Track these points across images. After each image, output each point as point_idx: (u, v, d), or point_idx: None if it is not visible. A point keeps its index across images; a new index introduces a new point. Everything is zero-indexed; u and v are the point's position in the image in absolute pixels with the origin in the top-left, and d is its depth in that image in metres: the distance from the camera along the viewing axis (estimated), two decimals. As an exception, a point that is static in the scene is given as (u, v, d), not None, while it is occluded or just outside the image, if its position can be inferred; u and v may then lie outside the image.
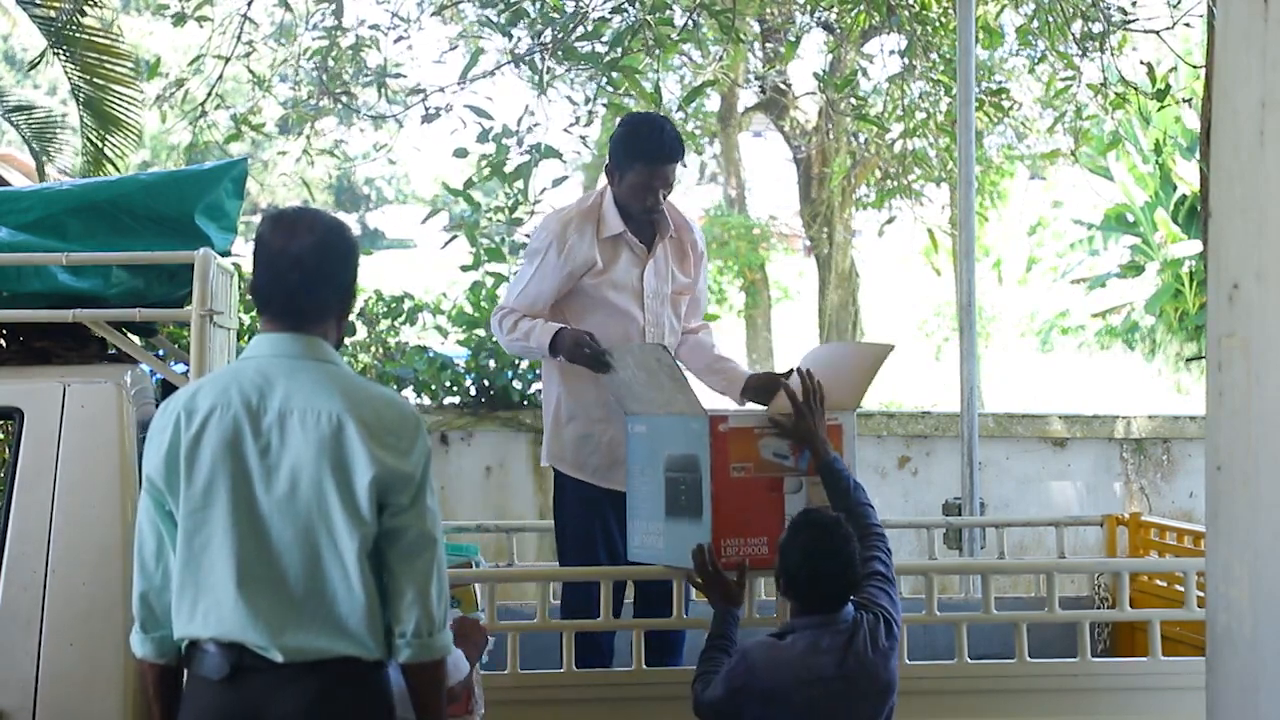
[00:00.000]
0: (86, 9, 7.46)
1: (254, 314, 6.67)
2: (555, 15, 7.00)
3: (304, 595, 2.42)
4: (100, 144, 7.82)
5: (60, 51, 7.70)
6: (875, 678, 3.12)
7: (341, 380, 2.50)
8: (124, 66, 7.86)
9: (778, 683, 3.04)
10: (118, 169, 7.88)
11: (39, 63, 7.91)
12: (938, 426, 6.94)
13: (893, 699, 3.19)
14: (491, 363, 6.72)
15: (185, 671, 2.53)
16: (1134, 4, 8.01)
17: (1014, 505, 6.76)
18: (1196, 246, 16.24)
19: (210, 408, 2.46)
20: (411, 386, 6.72)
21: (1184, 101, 9.53)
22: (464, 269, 7.00)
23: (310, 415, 2.43)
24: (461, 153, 7.10)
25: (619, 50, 6.83)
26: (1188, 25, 7.65)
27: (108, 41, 7.81)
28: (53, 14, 7.59)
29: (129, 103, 7.87)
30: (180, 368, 3.81)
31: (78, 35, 7.58)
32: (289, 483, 2.43)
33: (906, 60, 8.57)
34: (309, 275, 2.51)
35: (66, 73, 7.82)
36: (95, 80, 7.75)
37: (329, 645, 2.41)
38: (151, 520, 2.52)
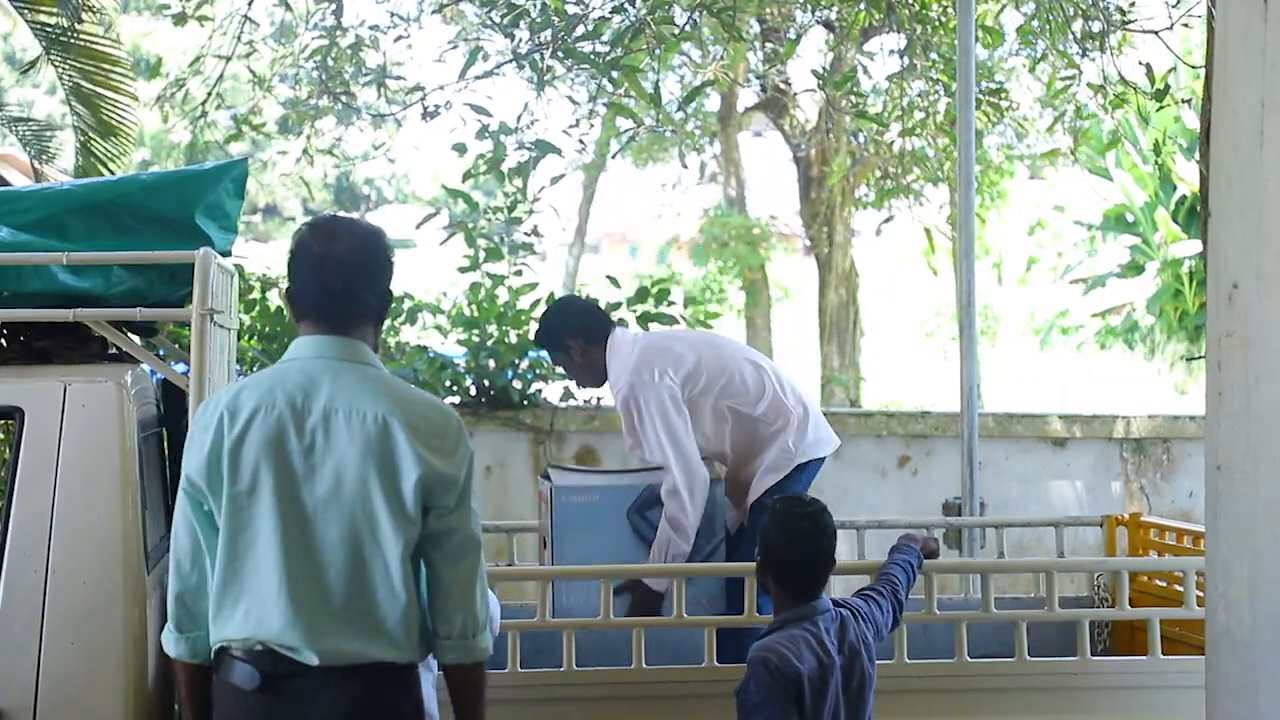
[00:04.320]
0: (83, 15, 7.43)
1: (254, 314, 6.68)
2: (556, 16, 7.00)
3: (346, 596, 2.42)
4: (96, 151, 7.79)
5: (56, 57, 7.68)
6: (865, 669, 3.14)
7: (385, 383, 2.53)
8: (120, 72, 7.83)
9: (806, 669, 3.02)
10: (113, 174, 7.87)
11: (31, 68, 7.89)
12: (938, 426, 6.94)
13: (872, 692, 3.21)
14: (491, 363, 6.73)
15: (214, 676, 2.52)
16: (1133, 4, 8.01)
17: (1014, 505, 6.77)
18: (1196, 246, 16.24)
19: (254, 408, 2.46)
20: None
21: (1184, 101, 9.52)
22: (462, 270, 6.99)
23: (355, 416, 2.45)
24: (460, 148, 7.09)
25: (619, 50, 6.83)
26: (1187, 25, 7.65)
27: (104, 48, 7.77)
28: (49, 19, 7.56)
29: (125, 109, 7.84)
30: (181, 367, 3.81)
31: (73, 41, 7.55)
32: (334, 482, 2.43)
33: (906, 59, 8.57)
34: (351, 280, 2.54)
35: (61, 79, 7.79)
36: (91, 86, 7.72)
37: (365, 650, 2.41)
38: (189, 521, 2.51)
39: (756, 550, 3.25)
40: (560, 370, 4.70)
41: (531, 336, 6.80)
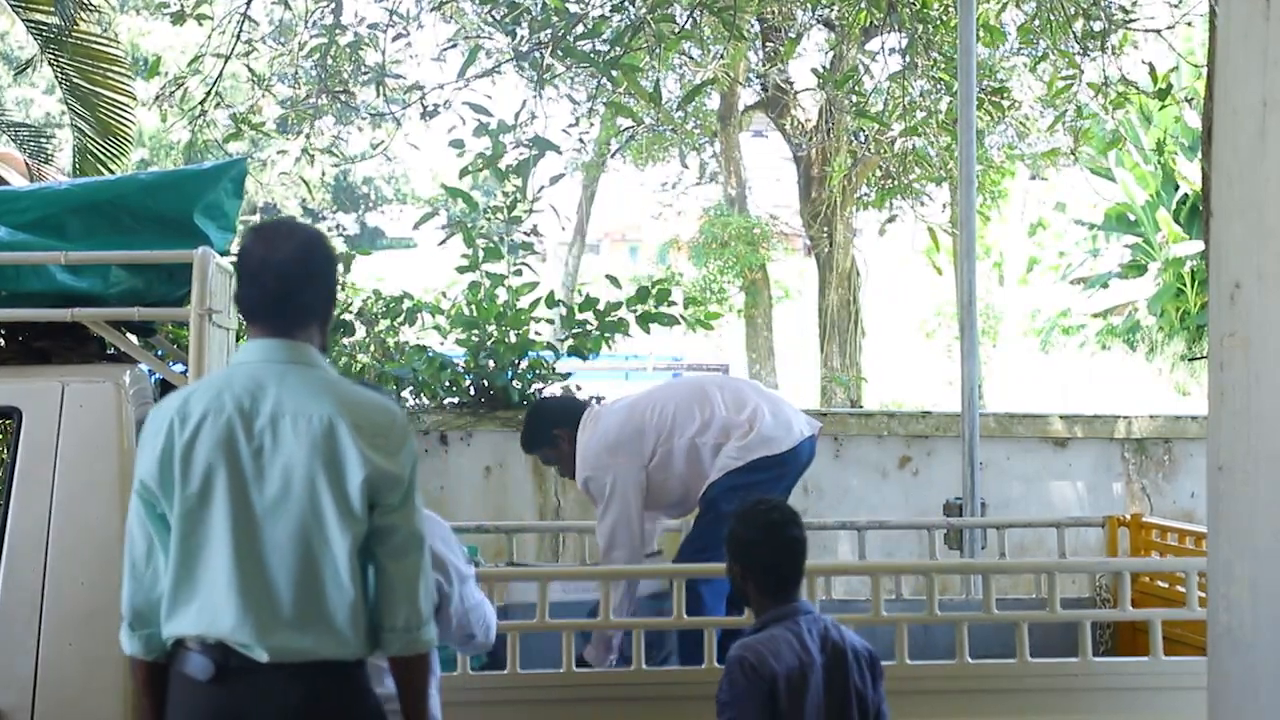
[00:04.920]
0: (81, 15, 7.41)
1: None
2: (555, 15, 6.99)
3: (296, 594, 2.48)
4: (94, 150, 7.77)
5: (53, 57, 7.66)
6: (853, 679, 3.12)
7: (330, 384, 2.59)
8: (118, 71, 7.81)
9: (782, 669, 3.01)
10: (112, 174, 7.85)
11: (27, 68, 7.87)
12: (939, 426, 6.93)
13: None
14: (491, 363, 6.71)
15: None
16: (1135, 3, 8.00)
17: (1015, 505, 6.75)
18: (1198, 246, 16.24)
19: (204, 412, 2.52)
20: (411, 387, 6.70)
21: (1185, 101, 9.52)
22: (461, 270, 6.97)
23: (302, 418, 2.51)
24: (459, 144, 7.07)
25: (619, 49, 6.81)
26: (1189, 24, 7.65)
27: (101, 47, 7.75)
28: (46, 19, 7.54)
29: (122, 109, 7.82)
30: (179, 367, 3.80)
31: (70, 40, 7.53)
32: (282, 483, 2.49)
33: (907, 58, 8.56)
34: (293, 283, 2.60)
35: (59, 78, 7.77)
36: (88, 86, 7.70)
37: (314, 647, 2.47)
38: (142, 522, 2.57)
39: (729, 559, 3.19)
40: (555, 469, 4.90)
41: (531, 336, 6.82)
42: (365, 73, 7.88)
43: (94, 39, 7.74)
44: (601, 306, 6.76)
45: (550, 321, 7.12)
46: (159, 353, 4.07)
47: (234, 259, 2.71)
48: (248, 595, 2.45)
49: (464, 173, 7.10)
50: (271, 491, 2.49)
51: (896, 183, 11.44)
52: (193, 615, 2.48)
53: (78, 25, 7.46)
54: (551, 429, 4.66)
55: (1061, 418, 7.09)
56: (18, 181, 8.38)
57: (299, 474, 2.49)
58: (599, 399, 5.83)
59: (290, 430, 2.50)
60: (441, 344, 7.10)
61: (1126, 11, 7.93)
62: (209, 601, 2.47)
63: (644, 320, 6.73)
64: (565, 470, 4.73)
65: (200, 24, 7.66)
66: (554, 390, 6.77)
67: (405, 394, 6.69)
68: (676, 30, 7.19)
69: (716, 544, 4.16)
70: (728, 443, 4.44)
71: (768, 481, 4.39)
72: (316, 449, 2.49)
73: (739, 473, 4.39)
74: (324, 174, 10.68)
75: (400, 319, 7.15)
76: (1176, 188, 18.60)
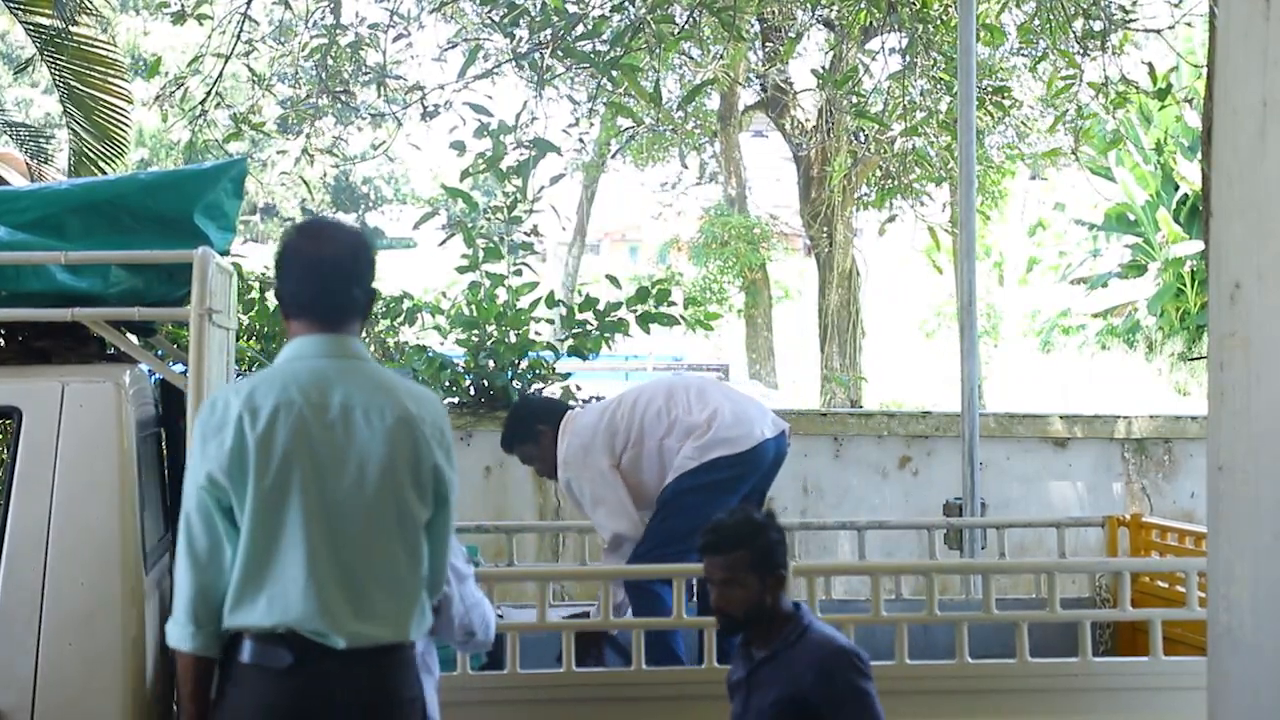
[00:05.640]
0: (79, 17, 7.40)
1: (253, 314, 6.67)
2: (555, 15, 6.98)
3: (372, 581, 2.54)
4: (89, 153, 7.76)
5: (51, 59, 7.65)
6: None
7: (388, 378, 2.69)
8: (115, 75, 7.79)
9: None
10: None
11: (25, 69, 7.85)
12: (939, 426, 6.93)
13: None
14: (490, 363, 6.71)
15: (224, 662, 2.57)
16: (1135, 3, 8.00)
17: (1015, 505, 6.75)
18: (1198, 246, 16.24)
19: (275, 406, 2.56)
20: (411, 386, 6.69)
21: (1185, 101, 9.52)
22: (461, 270, 6.97)
23: (373, 411, 2.59)
24: (459, 146, 7.07)
25: (619, 49, 6.81)
26: (1189, 24, 7.65)
27: (99, 50, 7.73)
28: (44, 21, 7.52)
29: (119, 112, 7.80)
30: (179, 367, 3.80)
31: (68, 43, 7.52)
32: (357, 474, 2.56)
33: (907, 58, 8.56)
34: (345, 279, 2.68)
35: (56, 81, 7.76)
36: (85, 89, 7.68)
37: (383, 632, 2.55)
38: (207, 517, 2.56)
39: (753, 576, 3.12)
40: (534, 467, 4.89)
41: (531, 336, 6.81)
42: (365, 73, 7.89)
43: (91, 42, 7.72)
44: (601, 306, 6.76)
45: (550, 321, 7.12)
46: (159, 353, 4.07)
47: (276, 256, 2.75)
48: (325, 584, 2.50)
49: (465, 174, 7.10)
50: (346, 482, 2.55)
51: (896, 183, 11.44)
52: (263, 606, 2.50)
53: (75, 28, 7.45)
54: (536, 425, 4.68)
55: (1061, 418, 7.09)
56: (18, 181, 8.38)
57: (373, 465, 2.56)
58: (598, 399, 5.84)
59: (363, 422, 2.57)
60: (441, 344, 7.10)
61: (1126, 11, 7.93)
62: (281, 590, 2.50)
63: (644, 320, 6.73)
64: (545, 469, 4.73)
65: (200, 24, 7.66)
66: (554, 390, 6.77)
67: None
68: (676, 30, 7.19)
69: (666, 542, 4.19)
70: (687, 443, 4.45)
71: (727, 481, 4.37)
72: (390, 441, 2.57)
73: (695, 473, 4.38)
74: (324, 174, 10.70)
75: (400, 319, 7.15)
76: (1176, 188, 18.59)
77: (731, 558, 3.09)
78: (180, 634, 2.58)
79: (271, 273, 7.18)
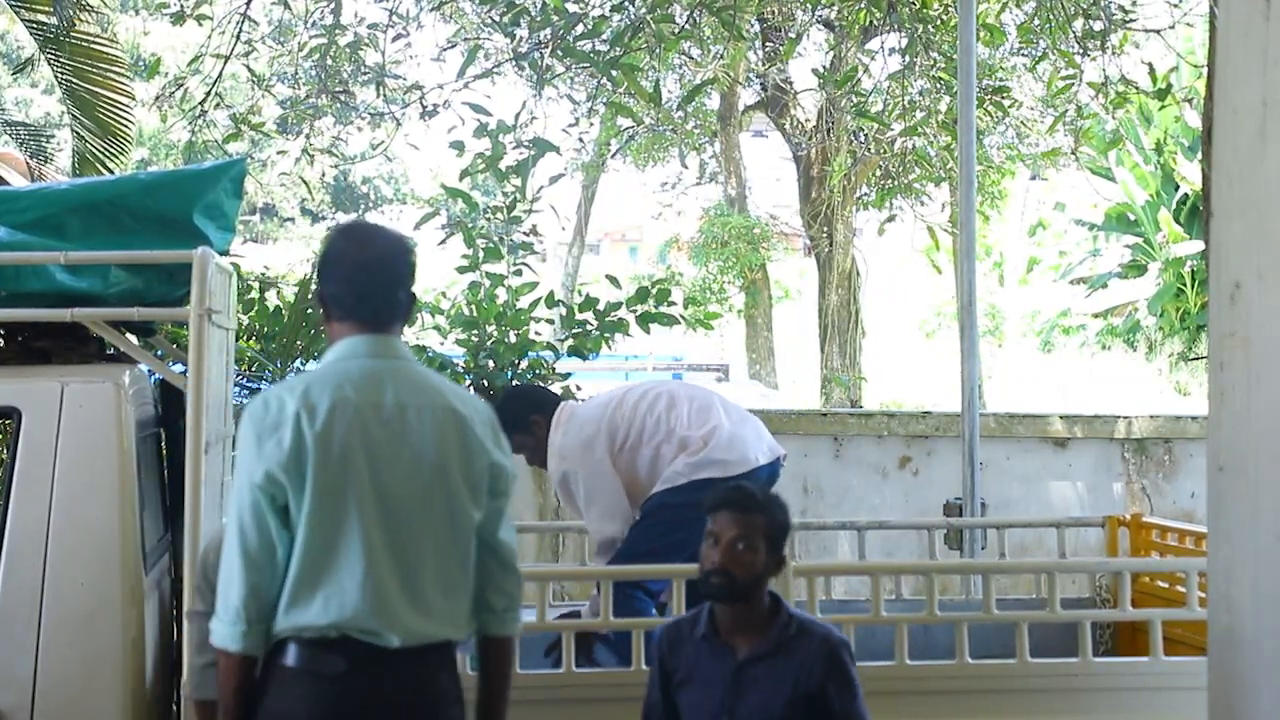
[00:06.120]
0: (80, 15, 7.39)
1: (253, 314, 6.67)
2: (555, 15, 6.98)
3: (425, 579, 2.55)
4: (93, 150, 7.76)
5: (52, 58, 7.64)
6: None
7: (433, 378, 2.72)
8: (117, 71, 7.78)
9: None
10: (111, 174, 7.84)
11: (25, 67, 7.84)
12: (939, 426, 6.93)
13: None
14: (490, 363, 6.70)
15: (265, 665, 2.55)
16: (1135, 3, 8.00)
17: (1015, 505, 6.75)
18: (1198, 246, 16.24)
19: (331, 404, 2.56)
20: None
21: (1185, 101, 9.52)
22: (460, 270, 6.96)
23: (427, 410, 2.62)
24: (458, 146, 7.07)
25: (619, 49, 6.81)
26: (1189, 25, 7.65)
27: (100, 47, 7.72)
28: (45, 19, 7.52)
29: (122, 109, 7.79)
30: (179, 367, 3.79)
31: (69, 41, 7.51)
32: (413, 471, 2.57)
33: (907, 58, 8.56)
34: (390, 281, 2.71)
35: (57, 79, 7.75)
36: (87, 86, 7.68)
37: (438, 630, 2.57)
38: (261, 516, 2.53)
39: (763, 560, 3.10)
40: (524, 456, 4.83)
41: (531, 336, 6.81)
42: (365, 73, 7.88)
43: (93, 39, 7.71)
44: (601, 306, 6.75)
45: (550, 321, 7.11)
46: (159, 353, 4.07)
47: (318, 257, 2.77)
48: (383, 580, 2.50)
49: (464, 174, 7.09)
50: (402, 479, 2.56)
51: (896, 183, 11.45)
52: (319, 605, 2.49)
53: (76, 26, 7.44)
54: (530, 414, 4.63)
55: (1061, 418, 7.09)
56: (18, 181, 8.38)
57: (427, 463, 2.58)
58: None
59: (416, 421, 2.59)
60: (441, 344, 7.09)
61: (1126, 11, 7.93)
62: (338, 588, 2.49)
63: (644, 320, 6.73)
64: (536, 458, 4.69)
65: (200, 24, 7.66)
66: (553, 388, 6.77)
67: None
68: (676, 30, 7.19)
69: (646, 554, 4.19)
70: (679, 456, 4.42)
71: None
72: (444, 439, 2.60)
73: (681, 490, 4.33)
74: (324, 174, 10.67)
75: (400, 319, 7.13)
76: (1176, 188, 18.59)
77: (750, 518, 3.06)
78: (229, 633, 2.53)
79: (271, 273, 7.20)
